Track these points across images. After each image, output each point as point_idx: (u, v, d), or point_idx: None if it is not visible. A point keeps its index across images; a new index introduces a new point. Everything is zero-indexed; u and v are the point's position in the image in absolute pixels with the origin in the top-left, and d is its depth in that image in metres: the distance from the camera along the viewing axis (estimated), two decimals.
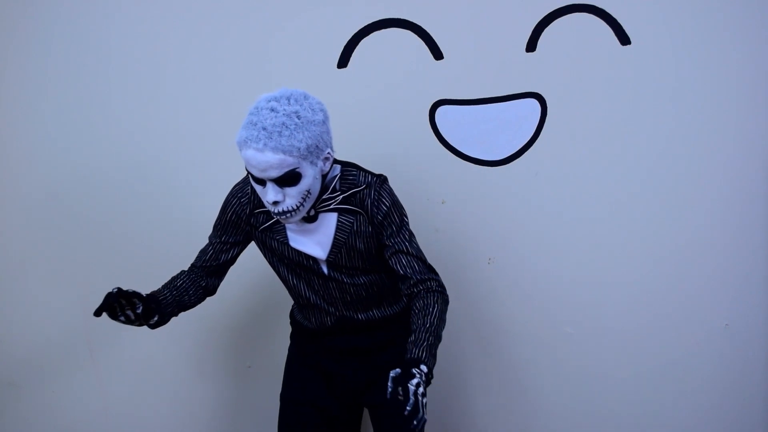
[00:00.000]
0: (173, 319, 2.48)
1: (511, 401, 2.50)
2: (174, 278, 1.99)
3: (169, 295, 1.92)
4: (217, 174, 2.41)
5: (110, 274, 2.48)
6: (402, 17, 2.35)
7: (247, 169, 1.77)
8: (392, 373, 1.65)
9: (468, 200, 2.40)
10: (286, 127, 1.71)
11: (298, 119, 1.72)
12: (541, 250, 2.43)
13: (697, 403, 2.46)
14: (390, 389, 1.63)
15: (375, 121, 2.30)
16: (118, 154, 2.44)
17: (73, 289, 2.50)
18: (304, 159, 1.73)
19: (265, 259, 2.02)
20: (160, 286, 1.96)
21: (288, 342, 2.15)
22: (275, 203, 1.77)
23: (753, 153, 2.37)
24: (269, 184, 1.75)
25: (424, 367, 1.70)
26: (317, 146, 1.75)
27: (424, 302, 1.84)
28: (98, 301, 2.48)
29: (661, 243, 2.41)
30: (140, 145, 2.43)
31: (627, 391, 2.47)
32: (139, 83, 2.41)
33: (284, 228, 1.91)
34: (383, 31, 2.36)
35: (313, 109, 1.76)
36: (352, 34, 2.36)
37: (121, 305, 1.77)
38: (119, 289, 1.75)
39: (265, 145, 1.70)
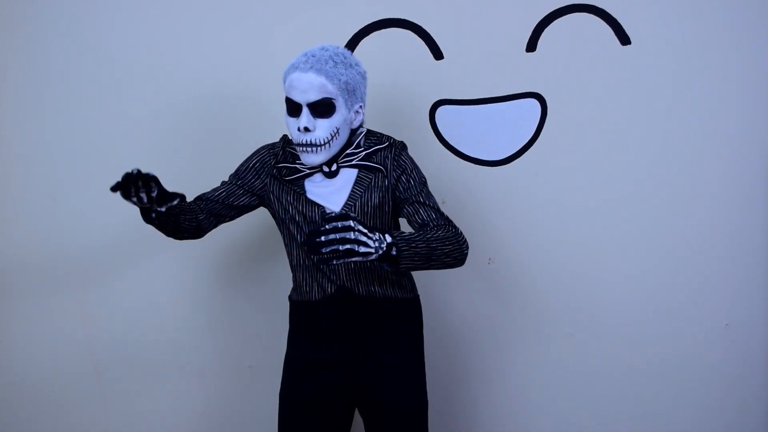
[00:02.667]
0: (172, 319, 2.50)
1: (511, 401, 2.50)
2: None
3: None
4: (217, 174, 2.41)
5: (110, 274, 2.49)
6: (402, 17, 2.35)
7: (287, 99, 1.88)
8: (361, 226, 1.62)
9: (468, 200, 2.40)
10: (333, 60, 1.87)
11: (345, 59, 1.89)
12: (541, 250, 2.43)
13: (697, 403, 2.46)
14: (327, 214, 1.59)
15: (375, 121, 2.30)
16: (117, 154, 2.44)
17: (73, 289, 2.50)
18: (341, 94, 1.87)
19: (275, 224, 2.04)
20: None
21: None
22: (306, 130, 1.86)
23: (753, 153, 2.37)
24: (304, 111, 1.86)
25: (388, 237, 1.67)
26: (355, 90, 1.90)
27: (437, 229, 1.85)
28: (98, 301, 2.50)
29: (661, 243, 2.41)
30: (140, 144, 2.43)
31: (627, 391, 2.47)
32: (139, 83, 2.41)
33: (303, 182, 1.96)
34: (383, 31, 2.36)
35: (357, 63, 1.93)
36: (352, 34, 2.36)
37: (137, 186, 1.75)
38: (139, 170, 1.72)
39: (311, 67, 1.85)
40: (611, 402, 2.48)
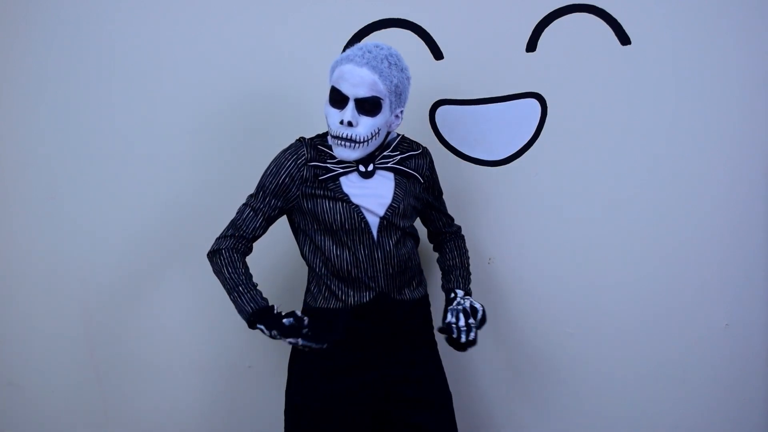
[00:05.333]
0: (171, 318, 2.50)
1: (512, 401, 2.50)
2: (237, 266, 1.94)
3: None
4: (215, 174, 2.42)
5: (110, 273, 2.49)
6: (402, 17, 2.35)
7: (332, 89, 1.87)
8: (464, 303, 1.97)
9: (468, 200, 2.40)
10: (388, 60, 1.86)
11: (398, 62, 1.89)
12: (541, 250, 2.43)
13: (697, 403, 2.46)
14: (459, 320, 1.94)
15: None
16: (117, 154, 2.44)
17: (73, 289, 2.50)
18: (389, 96, 1.87)
19: (293, 232, 2.02)
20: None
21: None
22: (349, 124, 1.85)
23: (753, 153, 2.37)
24: (350, 105, 1.85)
25: (477, 305, 1.98)
26: (401, 95, 1.90)
27: (455, 243, 2.16)
28: (98, 301, 2.50)
29: (661, 243, 2.41)
30: (139, 143, 2.43)
31: (627, 391, 2.47)
32: (138, 82, 2.41)
33: (339, 182, 1.93)
34: (383, 31, 2.36)
35: (406, 67, 1.92)
36: (352, 34, 2.36)
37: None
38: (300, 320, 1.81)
39: (367, 62, 1.84)
40: (611, 402, 2.48)
